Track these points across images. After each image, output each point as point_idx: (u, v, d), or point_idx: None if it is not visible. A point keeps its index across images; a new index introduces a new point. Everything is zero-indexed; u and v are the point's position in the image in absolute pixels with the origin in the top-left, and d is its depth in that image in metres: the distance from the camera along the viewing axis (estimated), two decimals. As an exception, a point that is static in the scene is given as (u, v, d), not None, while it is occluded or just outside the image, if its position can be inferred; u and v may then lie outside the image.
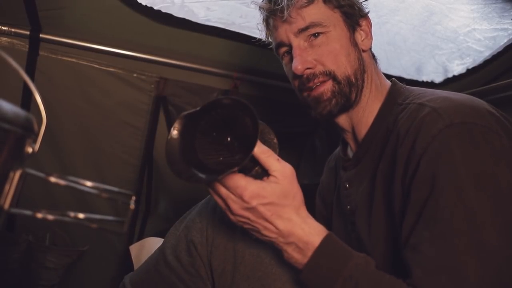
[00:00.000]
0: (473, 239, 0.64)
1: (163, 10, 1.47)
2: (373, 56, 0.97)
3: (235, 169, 0.62)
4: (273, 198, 0.66)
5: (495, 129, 0.70)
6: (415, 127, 0.74)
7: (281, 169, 0.67)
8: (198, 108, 0.66)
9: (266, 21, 0.95)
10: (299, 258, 0.70)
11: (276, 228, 0.67)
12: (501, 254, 0.63)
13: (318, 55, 0.87)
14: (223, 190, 0.67)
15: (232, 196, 0.66)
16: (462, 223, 0.65)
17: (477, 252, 0.63)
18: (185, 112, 0.66)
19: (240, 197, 0.65)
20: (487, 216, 0.65)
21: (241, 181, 0.65)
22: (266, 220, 0.67)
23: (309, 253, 0.69)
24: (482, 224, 0.64)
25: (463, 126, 0.70)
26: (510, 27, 1.50)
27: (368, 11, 0.95)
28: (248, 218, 0.67)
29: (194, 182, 0.64)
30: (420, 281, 0.65)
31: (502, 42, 1.58)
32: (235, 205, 0.66)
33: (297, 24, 0.87)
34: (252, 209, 0.66)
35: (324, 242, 0.69)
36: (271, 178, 0.67)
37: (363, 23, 0.93)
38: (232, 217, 0.69)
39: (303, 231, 0.68)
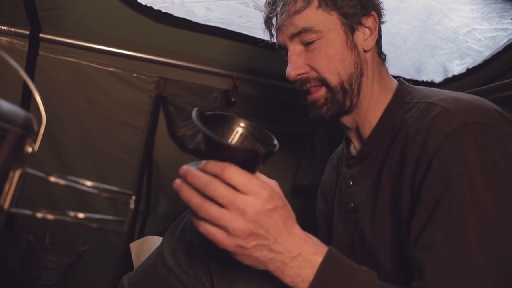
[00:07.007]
0: (487, 240, 0.63)
1: (163, 10, 1.47)
2: (380, 54, 0.94)
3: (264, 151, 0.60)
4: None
5: (506, 130, 0.70)
6: (426, 126, 0.73)
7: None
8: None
9: (266, 24, 0.97)
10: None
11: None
12: None
13: (311, 60, 0.88)
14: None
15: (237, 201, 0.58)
16: (476, 224, 0.64)
17: (491, 253, 0.63)
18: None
19: (256, 199, 0.58)
20: (499, 217, 0.64)
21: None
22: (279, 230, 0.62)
23: (309, 278, 0.64)
24: (495, 225, 0.64)
25: (476, 126, 0.69)
26: (510, 27, 1.50)
27: (380, 2, 0.92)
28: (257, 229, 0.60)
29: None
30: (434, 282, 0.64)
31: (502, 42, 1.58)
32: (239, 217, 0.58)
33: (290, 29, 0.88)
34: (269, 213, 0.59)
35: (321, 268, 0.63)
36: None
37: (367, 21, 0.89)
38: (228, 240, 0.61)
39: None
